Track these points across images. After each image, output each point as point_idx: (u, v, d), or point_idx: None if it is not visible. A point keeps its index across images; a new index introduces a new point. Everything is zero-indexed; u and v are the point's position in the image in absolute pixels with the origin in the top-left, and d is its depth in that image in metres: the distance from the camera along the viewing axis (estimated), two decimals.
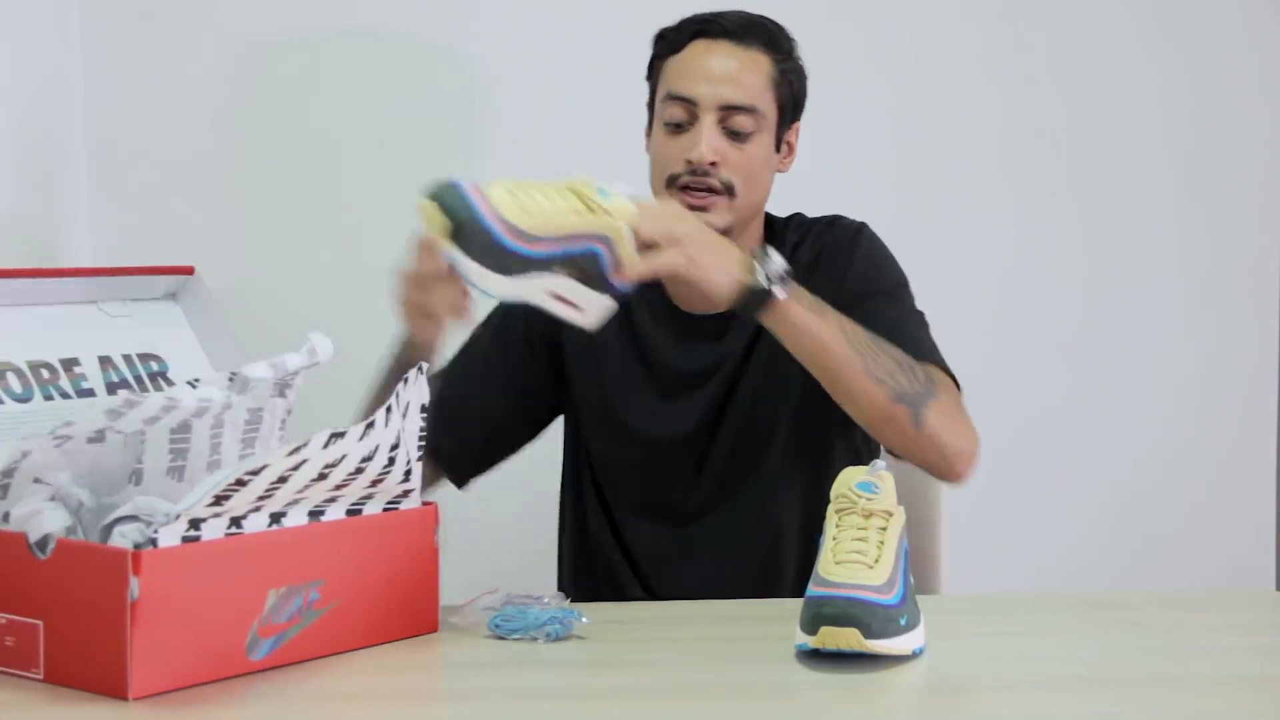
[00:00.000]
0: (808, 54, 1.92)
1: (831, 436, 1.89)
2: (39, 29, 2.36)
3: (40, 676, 1.37)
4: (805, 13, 1.93)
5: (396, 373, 1.76)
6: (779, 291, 1.67)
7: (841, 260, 1.90)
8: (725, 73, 1.83)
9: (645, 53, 1.92)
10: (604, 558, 1.94)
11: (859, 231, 1.93)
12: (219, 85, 2.50)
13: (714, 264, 1.67)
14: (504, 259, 1.56)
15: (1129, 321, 2.62)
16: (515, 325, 1.96)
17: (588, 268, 1.61)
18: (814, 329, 1.69)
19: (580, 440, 1.97)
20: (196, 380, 1.55)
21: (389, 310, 2.52)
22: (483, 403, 1.94)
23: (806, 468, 1.87)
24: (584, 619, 1.54)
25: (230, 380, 1.49)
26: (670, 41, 1.88)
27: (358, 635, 1.49)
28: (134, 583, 1.31)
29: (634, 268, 1.63)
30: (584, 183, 1.62)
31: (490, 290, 1.58)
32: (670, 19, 1.91)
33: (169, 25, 2.49)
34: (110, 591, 1.31)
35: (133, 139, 2.49)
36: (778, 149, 1.89)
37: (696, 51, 1.85)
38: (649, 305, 1.93)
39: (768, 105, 1.85)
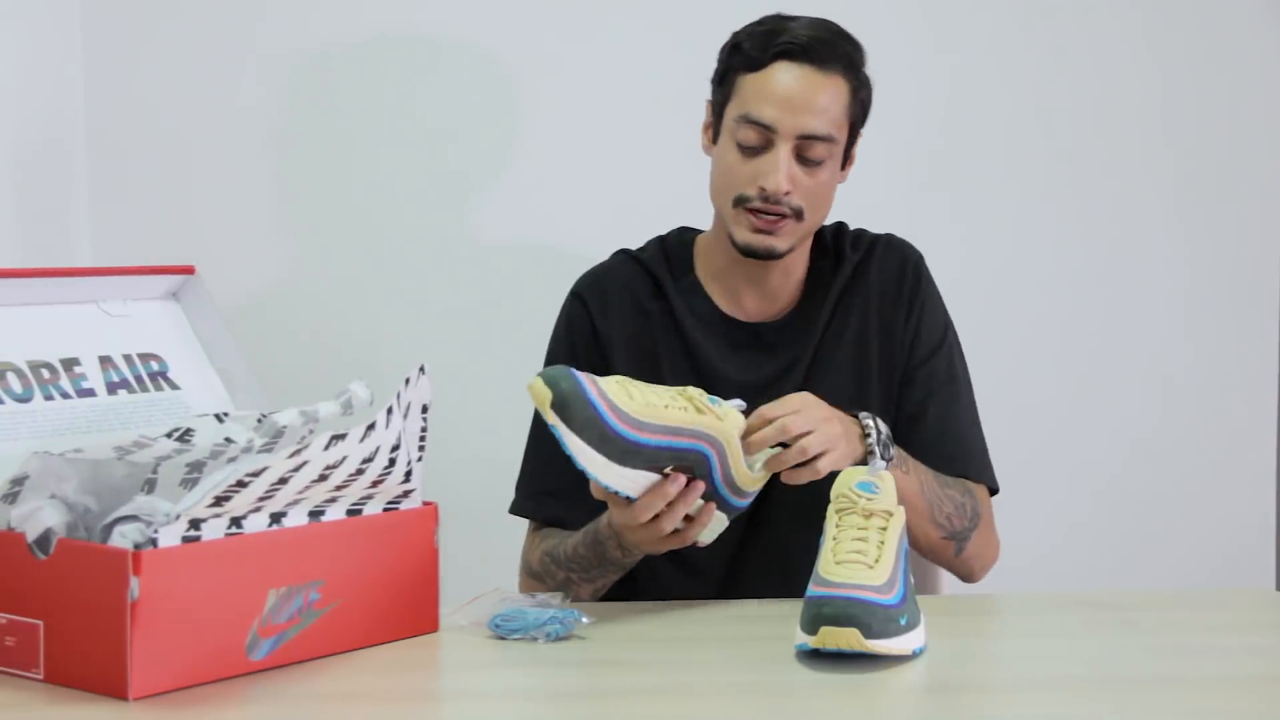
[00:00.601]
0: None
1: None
2: (39, 29, 2.36)
3: (40, 676, 1.37)
4: (809, 12, 1.93)
5: (591, 541, 1.78)
6: (889, 465, 1.71)
7: (905, 289, 1.93)
8: (807, 103, 1.80)
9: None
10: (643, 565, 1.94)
11: (919, 263, 1.96)
12: (219, 85, 2.50)
13: (837, 456, 1.67)
14: (609, 441, 1.52)
15: (1130, 320, 2.62)
16: (576, 359, 1.93)
17: (696, 467, 1.58)
18: (902, 485, 1.69)
19: None
20: (225, 414, 1.55)
21: (388, 310, 2.53)
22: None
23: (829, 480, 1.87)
24: (584, 619, 1.54)
25: (258, 422, 1.49)
26: (749, 57, 1.83)
27: (358, 635, 1.49)
28: (134, 583, 1.31)
29: (747, 478, 1.63)
30: (697, 392, 1.60)
31: (593, 472, 1.54)
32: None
33: (169, 25, 2.49)
34: (110, 591, 1.31)
35: (133, 139, 2.49)
36: (842, 166, 1.89)
37: (777, 75, 1.81)
38: (696, 314, 1.93)
39: (842, 130, 1.84)
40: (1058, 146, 2.59)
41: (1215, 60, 2.60)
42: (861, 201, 2.04)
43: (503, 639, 1.52)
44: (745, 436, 1.63)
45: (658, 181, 2.38)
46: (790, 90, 1.80)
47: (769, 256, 1.85)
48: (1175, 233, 2.62)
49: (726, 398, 1.66)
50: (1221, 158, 2.61)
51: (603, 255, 2.01)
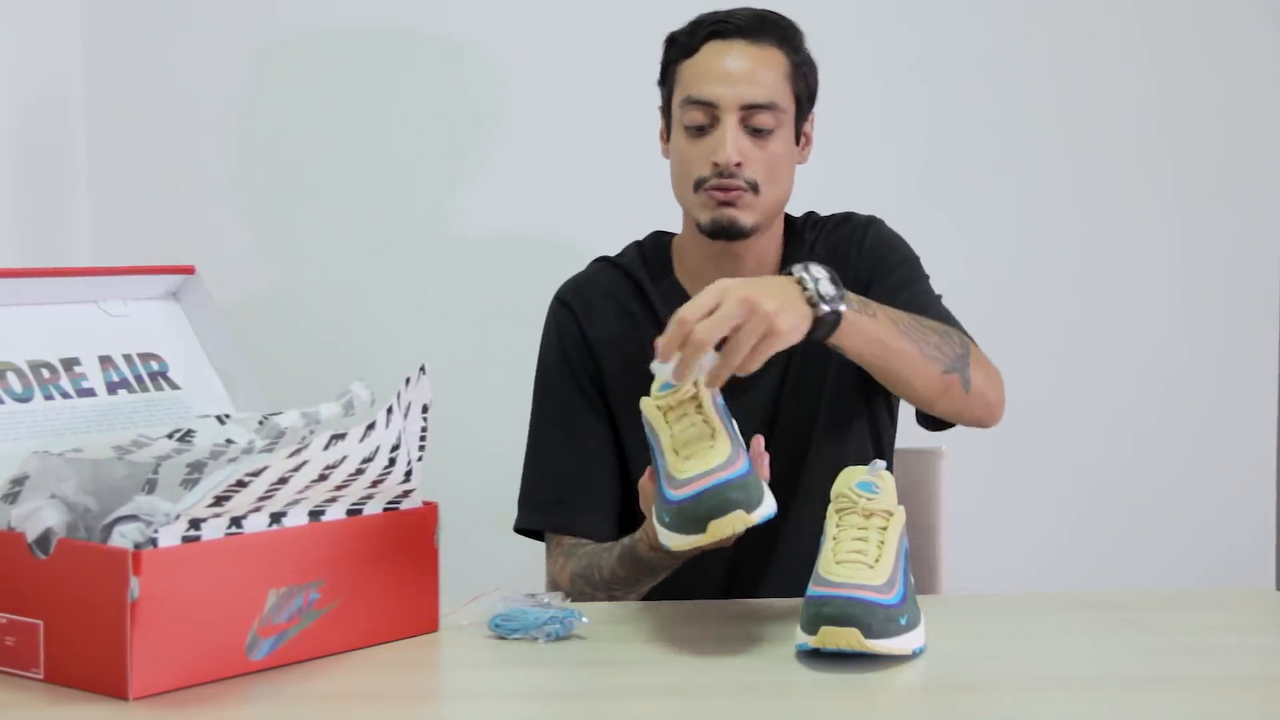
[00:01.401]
0: (811, 52, 1.92)
1: (855, 445, 1.91)
2: (39, 29, 2.36)
3: (40, 676, 1.37)
4: (809, 12, 1.93)
5: (630, 561, 1.78)
6: (842, 306, 1.60)
7: (853, 250, 1.92)
8: (743, 72, 1.83)
9: (652, 49, 1.91)
10: None
11: (870, 223, 1.96)
12: (219, 85, 2.50)
13: (776, 307, 1.53)
14: (755, 483, 1.46)
15: (1130, 319, 2.62)
16: (573, 374, 1.94)
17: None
18: (871, 331, 1.66)
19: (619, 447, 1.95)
20: (226, 415, 1.55)
21: (388, 310, 2.53)
22: (596, 468, 1.92)
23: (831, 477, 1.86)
24: (584, 619, 1.54)
25: (260, 424, 1.49)
26: (683, 45, 1.88)
27: (358, 635, 1.49)
28: (134, 583, 1.31)
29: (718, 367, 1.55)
30: (656, 400, 1.56)
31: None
32: (676, 18, 1.90)
33: (169, 25, 2.49)
34: (110, 591, 1.31)
35: (133, 138, 2.49)
36: (797, 141, 1.90)
37: (712, 53, 1.85)
38: (672, 310, 1.90)
39: (786, 100, 1.86)
40: (1056, 146, 2.59)
41: (1214, 59, 2.60)
42: (861, 201, 2.04)
43: (503, 639, 1.52)
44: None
45: (657, 180, 2.37)
46: (726, 64, 1.84)
47: (735, 232, 1.85)
48: (1175, 232, 2.62)
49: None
50: (1220, 157, 2.61)
51: (603, 253, 2.02)
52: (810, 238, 1.95)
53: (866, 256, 1.92)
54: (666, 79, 1.91)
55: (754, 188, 1.84)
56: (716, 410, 1.55)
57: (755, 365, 1.54)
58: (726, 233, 1.85)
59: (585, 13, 2.52)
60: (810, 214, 2.00)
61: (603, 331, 1.94)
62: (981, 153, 2.58)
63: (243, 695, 1.36)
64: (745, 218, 1.85)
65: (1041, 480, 2.60)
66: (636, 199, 2.22)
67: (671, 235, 2.00)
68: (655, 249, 1.99)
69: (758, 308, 1.52)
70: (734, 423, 1.57)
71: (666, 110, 1.92)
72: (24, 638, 1.37)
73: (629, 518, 1.90)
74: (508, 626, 1.53)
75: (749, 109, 1.83)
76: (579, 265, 2.02)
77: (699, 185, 1.85)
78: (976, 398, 1.79)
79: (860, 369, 1.83)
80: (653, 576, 1.79)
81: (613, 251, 2.02)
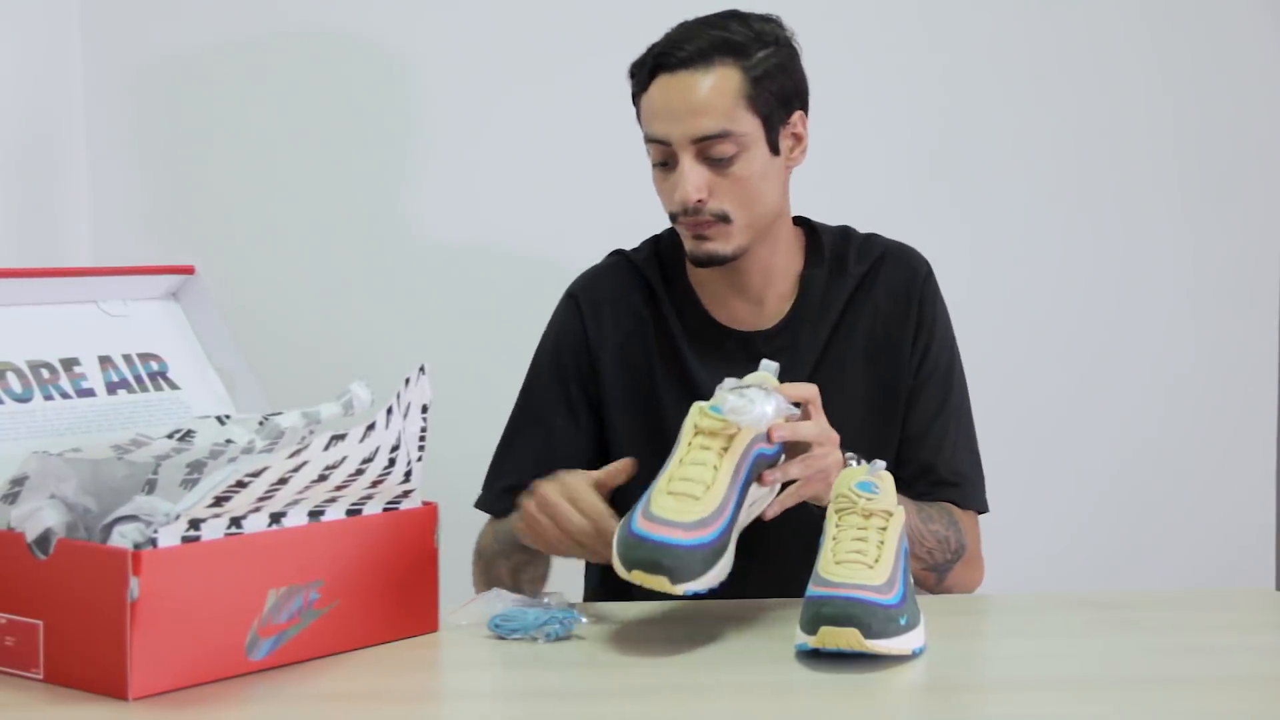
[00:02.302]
0: (815, 54, 1.89)
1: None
2: (39, 29, 2.36)
3: (40, 676, 1.37)
4: (815, 12, 1.92)
5: (518, 545, 1.80)
6: None
7: (914, 301, 1.91)
8: (689, 105, 1.77)
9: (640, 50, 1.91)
10: None
11: (929, 274, 1.94)
12: (219, 85, 2.50)
13: (819, 489, 1.62)
14: (706, 555, 1.45)
15: (1131, 320, 2.62)
16: (561, 376, 1.94)
17: (761, 468, 1.55)
18: None
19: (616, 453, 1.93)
20: (226, 416, 1.55)
21: (388, 310, 2.53)
22: (569, 449, 1.92)
23: None
24: (583, 619, 1.54)
25: (260, 424, 1.49)
26: (638, 80, 1.83)
27: (358, 635, 1.49)
28: (134, 583, 1.31)
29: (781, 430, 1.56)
30: (702, 420, 1.52)
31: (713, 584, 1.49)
32: (672, 16, 1.89)
33: (169, 25, 2.49)
34: (110, 591, 1.31)
35: (132, 139, 2.49)
36: (776, 151, 1.83)
37: (659, 89, 1.79)
38: (687, 322, 1.93)
39: (745, 121, 1.79)
40: (1058, 146, 2.59)
41: (1217, 59, 2.60)
42: (863, 200, 2.04)
43: (502, 639, 1.52)
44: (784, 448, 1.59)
45: (613, 176, 2.37)
46: (671, 99, 1.78)
47: (716, 262, 1.83)
48: (1176, 234, 2.62)
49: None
50: (1224, 159, 2.61)
51: (601, 256, 2.02)
52: (857, 270, 1.91)
53: (927, 320, 1.92)
54: (636, 110, 1.86)
55: (724, 218, 1.80)
56: (740, 462, 1.51)
57: (784, 478, 1.59)
58: (709, 263, 1.84)
59: (579, 15, 2.51)
60: (845, 230, 1.96)
61: (609, 334, 1.93)
62: (981, 153, 2.58)
63: (242, 695, 1.36)
64: (722, 247, 1.82)
65: (1042, 481, 2.60)
66: (634, 203, 2.21)
67: None
68: (672, 247, 1.96)
69: (829, 473, 1.60)
70: (746, 490, 1.53)
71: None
72: (24, 638, 1.37)
73: None
74: (507, 627, 1.53)
75: (702, 141, 1.77)
76: (578, 267, 2.02)
77: (674, 218, 1.84)
78: (943, 590, 1.85)
79: (886, 400, 1.87)
80: (526, 554, 1.79)
81: (612, 250, 2.01)
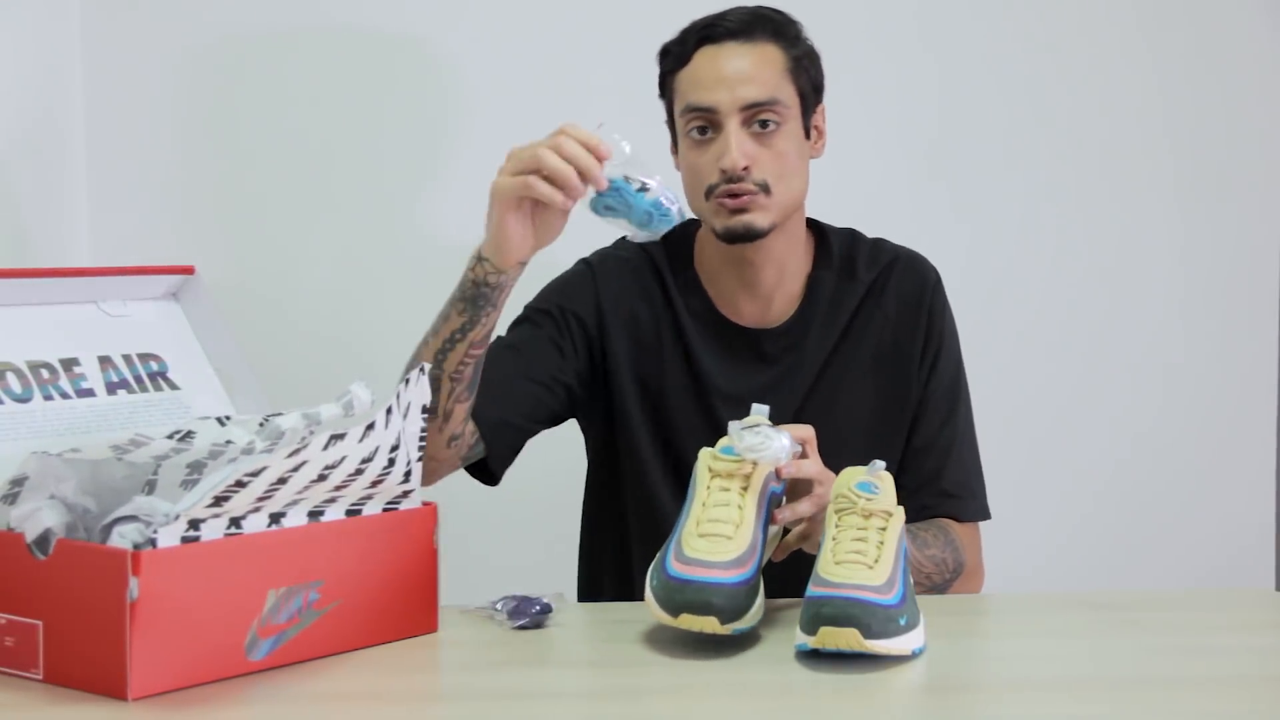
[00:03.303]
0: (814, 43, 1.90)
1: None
2: (39, 29, 2.36)
3: (40, 676, 1.37)
4: (813, 9, 1.92)
5: (464, 299, 1.73)
6: None
7: (924, 313, 1.91)
8: (739, 73, 1.80)
9: (643, 50, 1.91)
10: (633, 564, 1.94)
11: (939, 284, 1.94)
12: (220, 85, 2.50)
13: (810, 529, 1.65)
14: (746, 595, 1.47)
15: (1130, 319, 2.62)
16: (565, 320, 1.92)
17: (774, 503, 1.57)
18: None
19: (618, 450, 1.94)
20: (227, 417, 1.55)
21: (388, 310, 2.53)
22: (528, 381, 1.88)
23: None
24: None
25: (260, 425, 1.49)
26: (676, 55, 1.85)
27: (358, 635, 1.49)
28: (133, 583, 1.31)
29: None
30: (714, 463, 1.54)
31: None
32: (669, 17, 1.90)
33: (169, 25, 2.49)
34: (110, 591, 1.31)
35: (132, 139, 2.49)
36: (807, 136, 1.87)
37: (705, 58, 1.82)
38: (694, 313, 1.92)
39: (788, 95, 1.83)
40: (1055, 144, 2.59)
41: (1214, 57, 2.60)
42: (862, 199, 2.04)
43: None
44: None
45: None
46: (720, 67, 1.81)
47: (751, 236, 1.83)
48: (1174, 232, 2.62)
49: (718, 408, 1.62)
50: (1221, 156, 2.61)
51: (603, 249, 2.01)
52: (867, 276, 1.91)
53: (936, 332, 1.92)
54: (665, 91, 1.89)
55: (765, 188, 1.81)
56: (760, 499, 1.53)
57: (793, 517, 1.60)
58: (742, 238, 1.83)
59: (580, 13, 2.51)
60: (854, 234, 1.96)
61: (621, 304, 1.93)
62: (978, 152, 2.58)
63: (242, 695, 1.36)
64: (760, 220, 1.82)
65: (1041, 480, 2.60)
66: None
67: (699, 224, 1.96)
68: (680, 237, 1.95)
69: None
70: (767, 527, 1.55)
71: (671, 122, 1.90)
72: (23, 638, 1.37)
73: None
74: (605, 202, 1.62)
75: (750, 109, 1.80)
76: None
77: (710, 192, 1.82)
78: (940, 594, 1.84)
79: (892, 410, 1.87)
80: (464, 314, 1.73)
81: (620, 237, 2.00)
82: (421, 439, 1.52)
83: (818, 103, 1.89)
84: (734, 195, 1.80)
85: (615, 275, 1.95)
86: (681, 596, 1.44)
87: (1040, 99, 2.59)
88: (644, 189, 1.63)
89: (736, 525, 1.49)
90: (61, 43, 2.43)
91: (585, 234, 2.35)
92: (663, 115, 1.92)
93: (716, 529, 1.48)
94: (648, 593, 1.47)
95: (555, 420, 1.93)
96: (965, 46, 2.57)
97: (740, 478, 1.53)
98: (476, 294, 1.72)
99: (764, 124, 1.81)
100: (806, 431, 1.63)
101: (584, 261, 1.98)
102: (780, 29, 1.85)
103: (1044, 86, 2.59)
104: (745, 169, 1.80)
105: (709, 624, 1.44)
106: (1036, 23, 2.58)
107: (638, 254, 1.96)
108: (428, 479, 1.74)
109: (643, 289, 1.94)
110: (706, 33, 1.83)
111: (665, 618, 1.45)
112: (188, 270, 1.72)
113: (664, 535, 1.53)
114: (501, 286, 1.71)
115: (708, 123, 1.82)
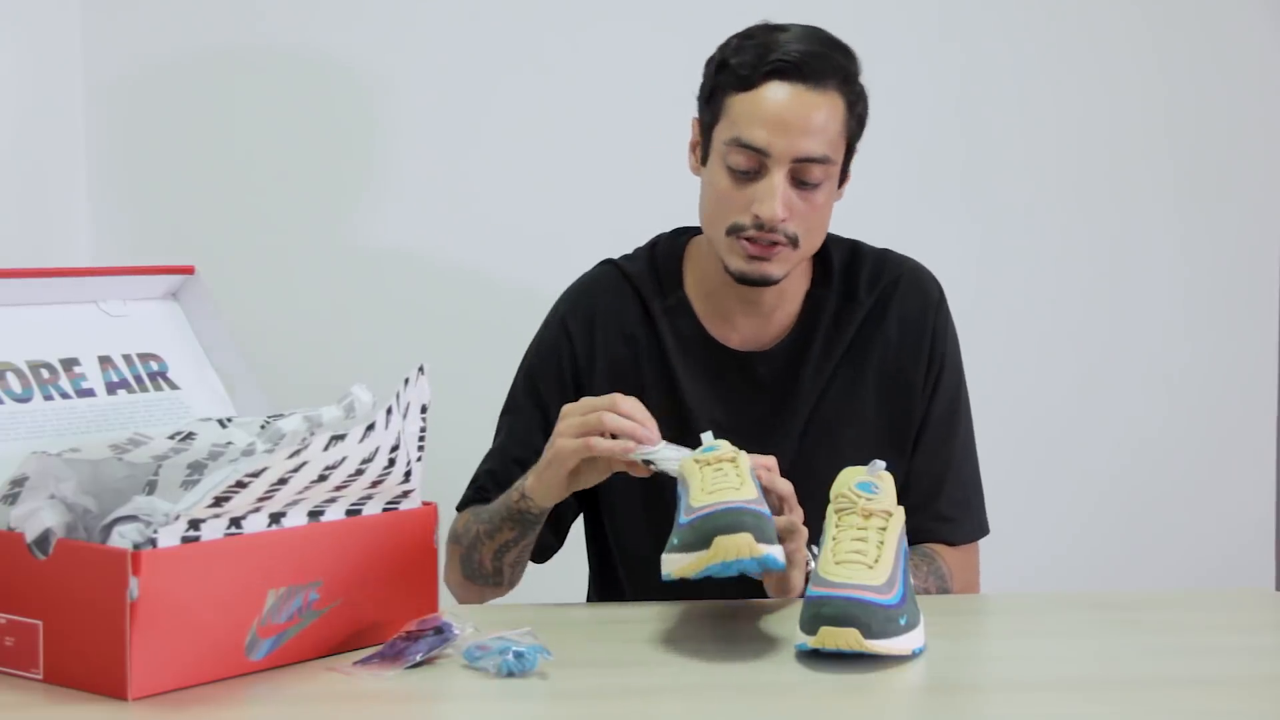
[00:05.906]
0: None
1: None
2: (39, 28, 2.36)
3: (40, 676, 1.37)
4: (814, 10, 1.92)
5: (510, 520, 1.76)
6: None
7: (926, 333, 1.87)
8: (802, 124, 1.71)
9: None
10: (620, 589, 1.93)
11: (941, 300, 1.90)
12: (220, 85, 2.50)
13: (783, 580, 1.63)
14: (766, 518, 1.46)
15: (1130, 320, 2.63)
16: (546, 382, 1.90)
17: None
18: None
19: (599, 504, 1.91)
20: (228, 419, 1.54)
21: (388, 310, 2.53)
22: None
23: None
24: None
25: (261, 428, 1.49)
26: (738, 76, 1.74)
27: (357, 635, 1.49)
28: (133, 583, 1.31)
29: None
30: (694, 461, 1.54)
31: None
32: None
33: (169, 25, 2.49)
34: (110, 591, 1.31)
35: (132, 139, 2.49)
36: (840, 183, 1.82)
37: (769, 96, 1.72)
38: (681, 339, 1.86)
39: (838, 150, 1.76)
40: (1056, 147, 2.60)
41: (1216, 60, 2.61)
42: (863, 202, 2.03)
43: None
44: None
45: (657, 182, 2.37)
46: (784, 111, 1.71)
47: (764, 283, 1.78)
48: (1175, 233, 2.63)
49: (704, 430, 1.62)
50: (1221, 158, 2.62)
51: (601, 256, 1.99)
52: (868, 300, 1.86)
53: (939, 354, 1.88)
54: (713, 103, 1.77)
55: (794, 241, 1.75)
56: (750, 474, 1.53)
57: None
58: (756, 284, 1.78)
59: (578, 11, 2.51)
60: (855, 248, 1.90)
61: (600, 353, 1.88)
62: (979, 154, 2.59)
63: (242, 695, 1.36)
64: (777, 270, 1.76)
65: (1041, 481, 2.60)
66: (635, 202, 2.22)
67: (690, 236, 1.91)
68: (668, 257, 1.90)
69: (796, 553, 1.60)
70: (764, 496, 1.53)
71: (707, 132, 1.78)
72: (23, 638, 1.37)
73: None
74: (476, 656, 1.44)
75: (801, 162, 1.72)
76: (577, 267, 1.98)
77: (734, 230, 1.75)
78: None
79: (895, 433, 1.85)
80: (514, 530, 1.74)
81: (613, 250, 1.97)
82: (421, 439, 1.52)
83: (856, 145, 1.82)
84: (759, 242, 1.74)
85: (591, 322, 1.88)
86: (709, 525, 1.42)
87: (1040, 101, 2.59)
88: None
89: (740, 485, 1.48)
90: (61, 43, 2.43)
91: (589, 234, 2.35)
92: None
93: (722, 489, 1.47)
94: (665, 559, 1.45)
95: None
96: (965, 49, 2.57)
97: (728, 461, 1.53)
98: (522, 519, 1.75)
99: (809, 180, 1.74)
100: (785, 489, 1.60)
101: (558, 316, 1.91)
102: (847, 74, 1.76)
103: (1044, 89, 2.59)
104: (783, 221, 1.73)
105: (743, 541, 1.40)
106: (1036, 25, 2.58)
107: (617, 287, 1.89)
108: (476, 602, 1.83)
109: (621, 328, 1.87)
110: (779, 66, 1.71)
111: (694, 556, 1.42)
112: (188, 270, 1.72)
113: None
114: (545, 513, 1.74)
115: (753, 163, 1.73)
